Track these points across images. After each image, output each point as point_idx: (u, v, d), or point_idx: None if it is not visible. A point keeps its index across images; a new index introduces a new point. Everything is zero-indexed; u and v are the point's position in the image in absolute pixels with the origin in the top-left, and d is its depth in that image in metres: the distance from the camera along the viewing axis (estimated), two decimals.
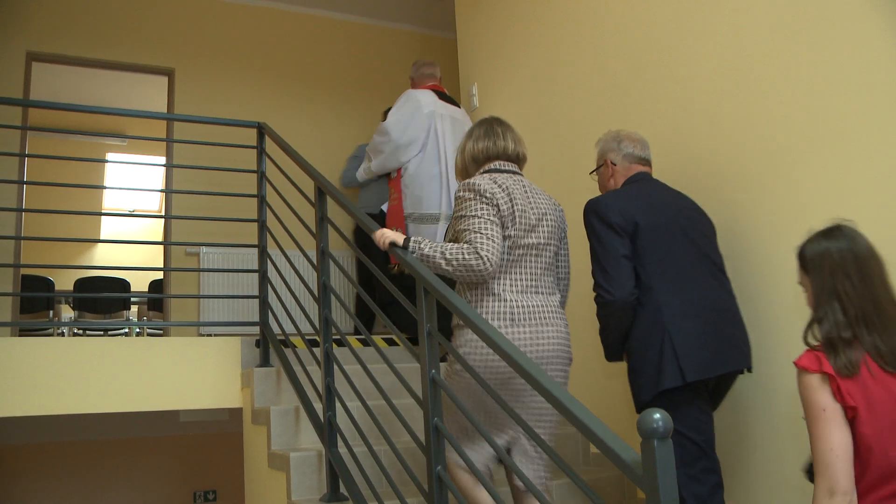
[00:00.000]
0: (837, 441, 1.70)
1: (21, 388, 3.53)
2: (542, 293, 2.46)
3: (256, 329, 4.02)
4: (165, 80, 6.16)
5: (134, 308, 7.29)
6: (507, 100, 4.52)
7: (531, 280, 2.44)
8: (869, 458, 1.69)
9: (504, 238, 2.39)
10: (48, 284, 6.48)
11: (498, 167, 2.55)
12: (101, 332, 6.33)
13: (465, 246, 2.33)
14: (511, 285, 2.40)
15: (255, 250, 4.11)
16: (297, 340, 3.75)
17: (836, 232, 1.87)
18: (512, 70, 4.47)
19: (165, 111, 6.14)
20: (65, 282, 7.19)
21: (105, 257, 9.13)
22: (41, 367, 3.58)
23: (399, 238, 2.43)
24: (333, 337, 3.00)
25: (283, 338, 3.73)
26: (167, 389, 3.78)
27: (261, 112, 5.28)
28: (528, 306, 2.38)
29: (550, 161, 3.99)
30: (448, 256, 2.32)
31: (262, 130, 4.28)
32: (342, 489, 2.77)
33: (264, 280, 4.01)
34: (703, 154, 2.99)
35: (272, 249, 4.11)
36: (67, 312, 7.12)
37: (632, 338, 2.50)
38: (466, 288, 2.43)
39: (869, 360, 1.74)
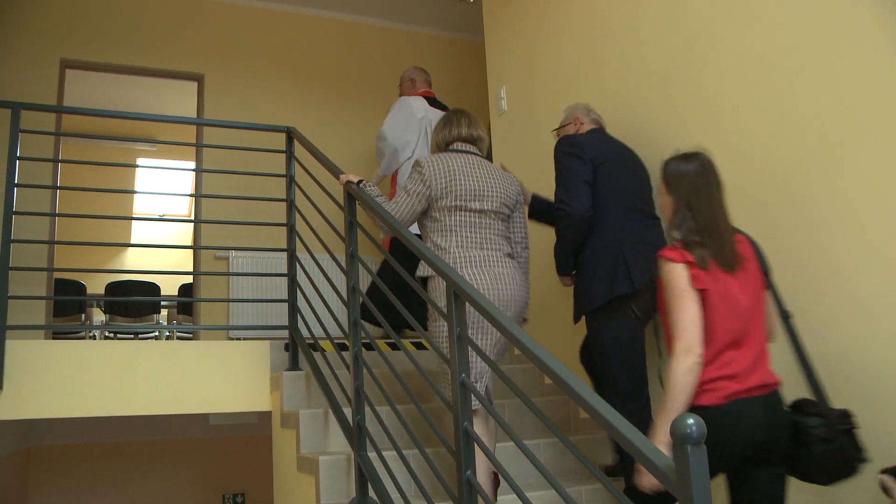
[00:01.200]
0: (694, 314, 2.16)
1: (54, 391, 3.57)
2: (488, 249, 2.89)
3: (285, 333, 4.03)
4: (195, 85, 6.22)
5: (164, 312, 7.36)
6: (535, 102, 4.50)
7: (477, 238, 2.90)
8: (713, 333, 2.17)
9: (439, 210, 2.90)
10: (80, 288, 6.56)
11: (455, 148, 3.08)
12: (132, 336, 6.39)
13: (390, 203, 2.96)
14: (457, 243, 2.87)
15: (284, 254, 4.12)
16: (325, 344, 3.75)
17: (693, 158, 2.34)
18: (540, 72, 4.45)
19: (195, 116, 6.19)
20: (96, 286, 7.28)
21: (136, 261, 9.24)
22: (73, 370, 3.62)
23: (355, 178, 3.12)
24: (362, 340, 2.99)
25: (312, 341, 3.73)
26: (197, 392, 3.80)
27: (289, 116, 5.31)
28: (470, 256, 2.84)
29: None
30: (373, 203, 2.93)
31: (290, 135, 4.29)
32: (371, 493, 2.77)
33: (293, 284, 4.02)
34: (732, 155, 2.95)
35: (301, 253, 4.12)
36: (99, 316, 7.20)
37: (588, 252, 3.00)
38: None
39: (711, 260, 2.21)
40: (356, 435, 2.84)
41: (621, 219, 3.00)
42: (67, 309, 6.37)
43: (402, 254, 4.07)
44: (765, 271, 2.34)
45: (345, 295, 3.10)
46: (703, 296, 2.18)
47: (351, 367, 2.93)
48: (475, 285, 2.73)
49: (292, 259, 4.07)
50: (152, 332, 6.60)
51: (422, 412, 2.46)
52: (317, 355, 3.69)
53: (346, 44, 6.63)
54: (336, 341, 3.45)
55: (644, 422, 2.76)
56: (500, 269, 2.85)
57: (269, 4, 6.42)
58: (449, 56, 6.99)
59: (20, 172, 3.75)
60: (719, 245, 2.24)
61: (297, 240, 4.09)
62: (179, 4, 6.15)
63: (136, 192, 4.87)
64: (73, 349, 3.68)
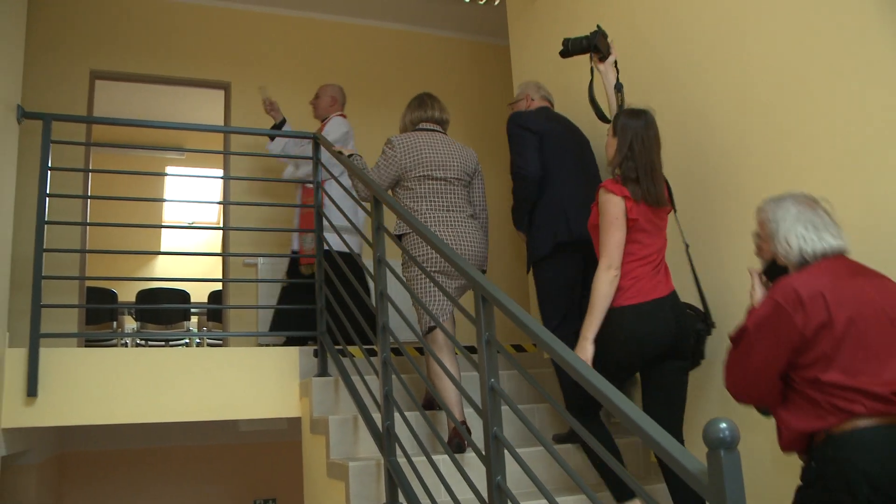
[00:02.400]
0: (620, 239, 2.71)
1: (86, 397, 3.61)
2: (453, 211, 3.48)
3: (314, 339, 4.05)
4: (222, 93, 6.27)
5: (194, 319, 7.42)
6: (560, 104, 4.48)
7: (443, 202, 3.48)
8: (639, 249, 2.75)
9: (409, 179, 3.49)
10: (112, 296, 6.63)
11: (423, 127, 3.65)
12: (163, 343, 6.45)
13: (371, 172, 3.53)
14: (427, 206, 3.45)
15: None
16: (354, 350, 3.76)
17: (641, 114, 2.84)
18: (565, 74, 4.43)
19: (222, 124, 6.24)
20: (127, 293, 7.36)
21: (166, 269, 9.32)
22: (106, 377, 3.66)
23: (346, 150, 3.67)
24: (391, 346, 2.99)
25: (340, 347, 3.74)
26: (227, 399, 3.82)
27: (316, 123, 5.32)
28: (438, 217, 3.43)
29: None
30: (360, 174, 3.42)
31: (317, 141, 4.31)
32: (401, 498, 2.76)
33: (321, 290, 4.03)
34: (761, 150, 2.91)
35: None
36: (130, 323, 7.28)
37: (537, 210, 3.52)
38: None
39: (642, 197, 2.73)
40: (386, 440, 2.84)
41: (564, 181, 3.51)
42: (99, 317, 6.44)
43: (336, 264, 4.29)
44: (672, 209, 3.00)
45: (373, 300, 3.10)
46: (632, 224, 2.73)
47: (380, 372, 2.93)
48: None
49: (320, 265, 4.08)
50: (183, 339, 6.66)
51: (451, 417, 2.45)
52: (345, 361, 3.69)
53: (372, 50, 6.65)
54: (364, 347, 3.45)
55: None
56: (462, 227, 3.43)
57: (294, 12, 6.46)
58: (474, 60, 6.98)
59: (51, 183, 3.80)
60: (651, 184, 2.75)
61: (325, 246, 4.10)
62: (205, 14, 6.20)
63: (165, 201, 4.92)
64: (106, 357, 3.72)
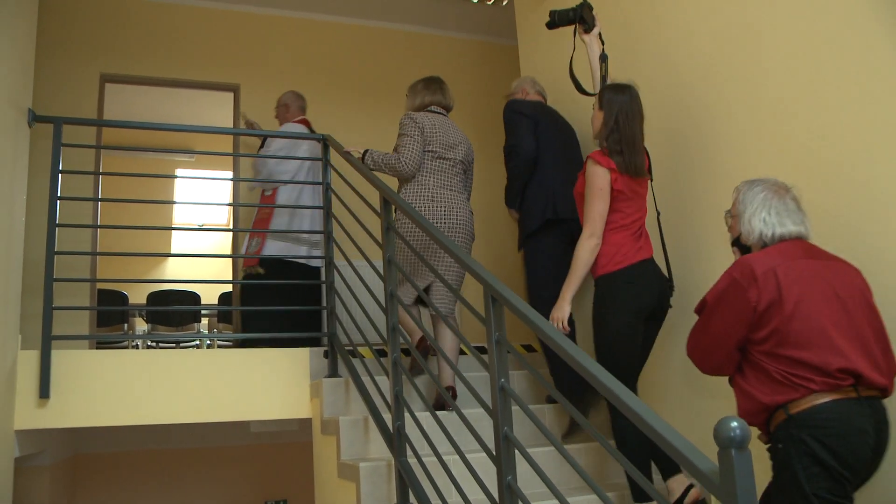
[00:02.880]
0: (603, 209, 2.93)
1: (98, 399, 3.63)
2: (454, 190, 3.80)
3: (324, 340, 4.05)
4: (231, 95, 6.28)
5: (204, 320, 7.44)
6: (570, 102, 4.47)
7: (446, 181, 3.79)
8: (622, 218, 2.97)
9: (424, 151, 3.76)
10: (122, 298, 6.66)
11: (432, 109, 3.95)
12: (174, 345, 6.47)
13: (394, 154, 3.77)
14: (433, 181, 3.75)
15: (322, 262, 4.14)
16: (364, 350, 3.76)
17: (626, 89, 3.04)
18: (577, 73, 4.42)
19: (231, 126, 6.26)
20: (138, 295, 7.38)
21: (176, 271, 9.35)
22: (117, 379, 3.67)
23: (357, 152, 3.91)
24: (401, 346, 2.99)
25: (350, 348, 3.74)
26: (238, 400, 3.83)
27: (325, 124, 5.33)
28: (443, 194, 3.73)
29: None
30: (381, 163, 3.79)
31: (326, 143, 4.32)
32: (412, 499, 2.76)
33: (331, 291, 4.04)
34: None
35: (339, 261, 4.14)
36: (141, 325, 7.31)
37: (528, 189, 3.81)
38: (403, 182, 3.80)
39: (625, 169, 2.94)
40: (396, 441, 2.84)
41: (553, 165, 3.79)
42: (110, 319, 6.46)
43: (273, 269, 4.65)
44: (650, 178, 3.22)
45: (382, 301, 3.10)
46: (616, 194, 2.94)
47: (390, 372, 2.93)
48: (433, 212, 3.65)
49: (330, 266, 4.09)
50: (193, 340, 6.68)
51: (461, 417, 2.45)
52: (356, 362, 3.70)
53: (381, 51, 6.66)
54: (375, 348, 3.46)
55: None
56: (455, 203, 3.74)
57: (303, 14, 6.47)
58: (483, 60, 6.98)
59: (62, 185, 3.81)
60: (633, 156, 2.96)
61: (335, 247, 4.11)
62: (215, 17, 6.22)
63: (174, 203, 4.93)
64: (117, 358, 3.74)
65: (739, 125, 3.10)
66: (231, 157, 6.69)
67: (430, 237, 2.64)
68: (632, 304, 2.92)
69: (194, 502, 6.22)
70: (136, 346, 6.45)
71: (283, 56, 6.33)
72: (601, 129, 3.02)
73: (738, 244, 2.42)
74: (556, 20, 3.56)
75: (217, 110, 7.14)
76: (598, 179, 2.92)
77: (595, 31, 3.46)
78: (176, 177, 4.50)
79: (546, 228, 3.73)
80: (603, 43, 3.46)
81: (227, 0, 6.23)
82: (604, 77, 3.36)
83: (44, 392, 3.49)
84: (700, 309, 2.32)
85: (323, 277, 4.18)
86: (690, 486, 2.77)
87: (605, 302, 2.94)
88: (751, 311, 2.13)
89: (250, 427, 5.64)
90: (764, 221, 2.30)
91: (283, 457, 6.40)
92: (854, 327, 2.10)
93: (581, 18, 3.46)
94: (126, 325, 6.66)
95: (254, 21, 6.33)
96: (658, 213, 3.26)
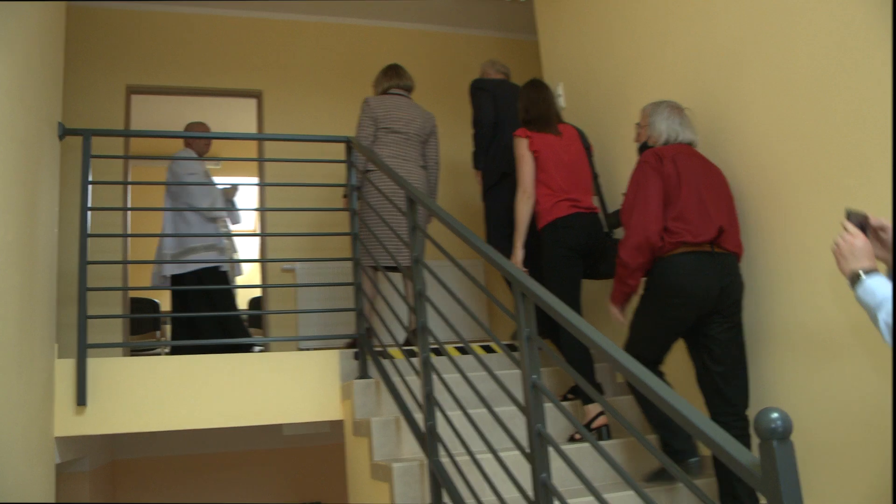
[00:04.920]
0: (530, 169, 3.70)
1: (133, 405, 3.67)
2: (407, 160, 4.44)
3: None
4: (254, 102, 6.33)
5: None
6: (593, 97, 4.45)
7: (402, 152, 4.43)
8: (547, 178, 3.67)
9: (376, 129, 4.44)
10: (154, 305, 6.73)
11: (393, 91, 4.61)
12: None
13: (359, 135, 4.43)
14: (388, 153, 4.38)
15: (350, 264, 4.15)
16: (394, 351, 3.76)
17: (538, 83, 3.95)
18: (596, 67, 4.40)
19: (256, 132, 6.30)
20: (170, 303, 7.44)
21: None
22: (151, 385, 3.71)
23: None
24: (431, 346, 2.99)
25: (380, 349, 3.75)
26: (270, 404, 3.85)
27: (348, 126, 5.35)
28: (396, 163, 4.31)
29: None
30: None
31: (350, 145, 4.34)
32: (445, 498, 2.76)
33: (359, 292, 4.05)
34: (809, 143, 2.86)
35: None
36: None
37: (490, 152, 4.44)
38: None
39: (541, 133, 3.75)
40: (428, 441, 2.85)
41: (510, 130, 4.12)
42: (143, 326, 6.54)
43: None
44: (586, 146, 3.99)
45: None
46: (538, 155, 3.69)
47: (421, 372, 2.93)
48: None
49: (357, 268, 4.10)
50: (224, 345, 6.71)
51: (494, 415, 2.45)
52: (386, 363, 3.70)
53: (401, 52, 6.65)
54: (404, 348, 3.46)
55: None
56: (408, 169, 4.36)
57: (323, 18, 6.50)
58: (503, 57, 6.91)
59: (92, 196, 3.87)
60: (546, 126, 3.79)
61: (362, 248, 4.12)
62: (235, 25, 6.27)
63: (202, 210, 4.98)
64: (151, 365, 3.78)
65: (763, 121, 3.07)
66: (257, 163, 6.74)
67: (453, 231, 2.76)
68: (571, 240, 3.63)
69: None
70: (169, 353, 6.51)
71: (304, 61, 6.37)
72: (524, 114, 3.91)
73: (644, 149, 3.18)
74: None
75: (241, 117, 7.19)
76: (521, 148, 3.75)
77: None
78: (203, 184, 4.55)
79: (504, 181, 4.27)
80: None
81: (247, 8, 6.28)
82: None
83: (81, 399, 3.54)
84: (631, 193, 3.02)
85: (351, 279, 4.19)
86: (601, 413, 3.41)
87: (550, 247, 3.68)
88: (664, 181, 2.95)
89: (283, 430, 5.68)
90: (669, 129, 3.15)
91: (315, 459, 6.43)
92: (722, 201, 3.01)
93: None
94: (158, 332, 6.73)
95: (274, 27, 6.37)
96: (596, 176, 4.12)
